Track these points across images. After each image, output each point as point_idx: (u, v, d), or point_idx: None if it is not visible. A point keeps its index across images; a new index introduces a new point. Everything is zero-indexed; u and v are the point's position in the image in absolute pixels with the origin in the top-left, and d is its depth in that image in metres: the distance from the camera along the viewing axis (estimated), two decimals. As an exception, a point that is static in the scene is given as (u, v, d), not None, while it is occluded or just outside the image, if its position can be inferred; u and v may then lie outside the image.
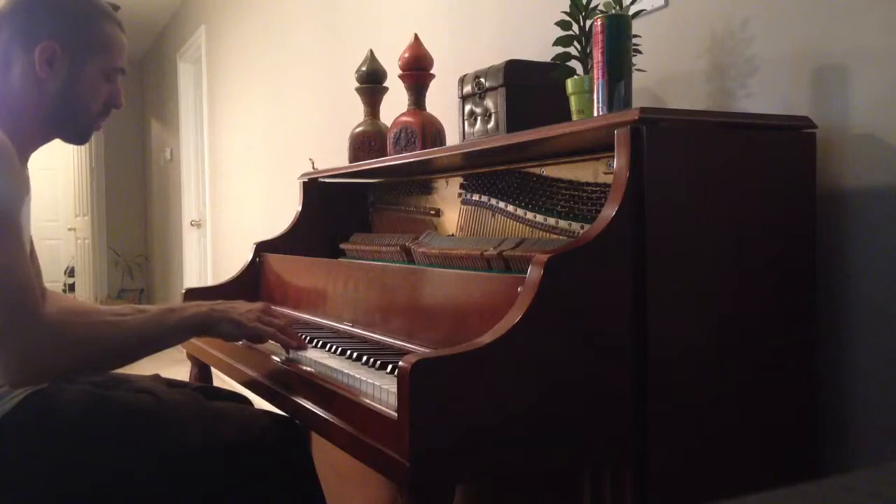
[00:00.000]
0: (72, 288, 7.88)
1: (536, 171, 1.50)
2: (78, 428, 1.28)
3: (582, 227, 1.36)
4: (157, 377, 1.59)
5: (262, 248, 2.09)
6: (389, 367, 1.22)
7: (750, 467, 1.16)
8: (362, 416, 1.10)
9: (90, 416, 1.30)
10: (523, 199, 1.53)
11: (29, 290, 1.18)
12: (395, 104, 1.98)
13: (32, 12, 1.37)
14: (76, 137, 1.47)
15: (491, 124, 1.54)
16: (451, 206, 1.79)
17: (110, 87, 1.44)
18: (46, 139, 1.45)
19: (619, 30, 1.23)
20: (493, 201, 1.61)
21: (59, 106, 1.39)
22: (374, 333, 1.55)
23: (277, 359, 1.45)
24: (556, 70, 1.45)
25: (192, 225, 5.75)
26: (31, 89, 1.37)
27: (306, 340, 1.54)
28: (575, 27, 1.42)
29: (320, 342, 1.51)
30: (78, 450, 1.27)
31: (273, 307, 1.49)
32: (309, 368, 1.35)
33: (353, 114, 2.22)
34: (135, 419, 1.33)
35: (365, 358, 1.31)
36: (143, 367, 1.67)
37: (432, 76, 1.85)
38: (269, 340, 1.42)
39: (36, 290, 1.20)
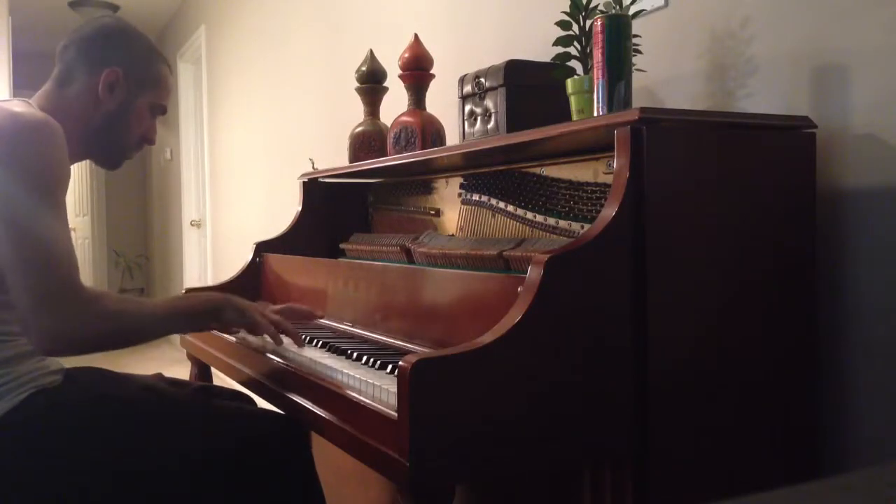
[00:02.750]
0: (72, 288, 7.86)
1: (536, 171, 1.50)
2: (81, 425, 1.29)
3: (582, 227, 1.36)
4: (159, 376, 1.59)
5: (262, 248, 2.09)
6: (389, 367, 1.22)
7: (750, 467, 1.16)
8: (362, 416, 1.10)
9: (94, 413, 1.31)
10: (523, 199, 1.53)
11: (72, 263, 1.26)
12: (395, 104, 1.98)
13: (107, 41, 1.51)
14: (110, 162, 1.59)
15: (491, 124, 1.54)
16: (451, 206, 1.79)
17: (150, 123, 1.57)
18: (82, 158, 1.54)
19: (619, 30, 1.23)
20: (493, 201, 1.61)
21: (106, 128, 1.50)
22: (374, 333, 1.55)
23: (275, 358, 1.45)
24: (556, 70, 1.45)
25: (192, 225, 5.74)
26: (86, 108, 1.48)
27: (306, 340, 1.54)
28: (575, 27, 1.42)
29: (320, 342, 1.51)
30: (81, 447, 1.27)
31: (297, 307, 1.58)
32: (309, 368, 1.35)
33: (353, 114, 2.22)
34: (137, 417, 1.34)
35: (365, 358, 1.31)
36: (146, 367, 1.67)
37: (432, 76, 1.85)
38: (265, 334, 1.45)
39: (77, 265, 1.28)
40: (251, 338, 1.56)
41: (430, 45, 1.86)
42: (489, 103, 1.55)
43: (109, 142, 1.53)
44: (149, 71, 1.54)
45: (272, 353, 1.48)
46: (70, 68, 1.49)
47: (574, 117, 1.37)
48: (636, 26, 1.30)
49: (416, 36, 1.85)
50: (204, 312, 1.41)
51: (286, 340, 1.46)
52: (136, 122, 1.53)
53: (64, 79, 1.49)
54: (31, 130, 1.28)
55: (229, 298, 1.44)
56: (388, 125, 1.90)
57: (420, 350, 1.32)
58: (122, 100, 1.50)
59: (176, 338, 2.93)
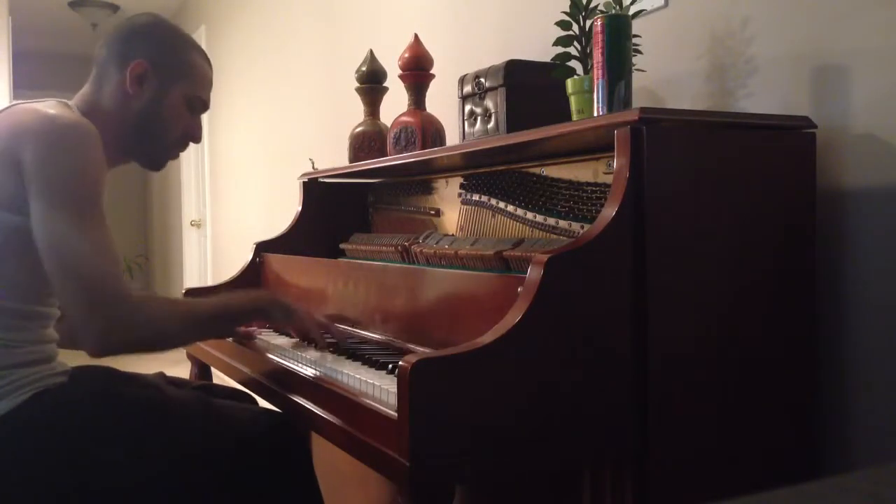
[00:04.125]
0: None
1: (536, 171, 1.50)
2: (83, 424, 1.29)
3: (582, 227, 1.36)
4: (160, 375, 1.59)
5: (262, 248, 2.09)
6: (389, 367, 1.22)
7: (750, 467, 1.16)
8: (362, 416, 1.10)
9: (95, 412, 1.32)
10: (523, 199, 1.53)
11: (112, 269, 1.25)
12: (395, 104, 1.98)
13: (131, 35, 1.48)
14: (152, 162, 1.55)
15: (491, 124, 1.54)
16: (451, 206, 1.79)
17: (191, 119, 1.52)
18: (124, 160, 1.52)
19: (619, 30, 1.23)
20: (493, 201, 1.61)
21: (141, 125, 1.46)
22: (374, 333, 1.55)
23: (275, 358, 1.45)
24: (556, 70, 1.45)
25: (192, 225, 5.74)
26: (118, 106, 1.45)
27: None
28: (575, 27, 1.42)
29: (320, 342, 1.51)
30: (83, 445, 1.27)
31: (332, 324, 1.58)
32: (308, 368, 1.35)
33: (353, 114, 2.22)
34: (140, 416, 1.35)
35: (365, 358, 1.31)
36: (147, 366, 1.67)
37: (432, 76, 1.85)
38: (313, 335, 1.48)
39: (121, 271, 1.28)
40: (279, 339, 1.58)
41: (430, 45, 1.86)
42: (489, 103, 1.55)
43: (148, 141, 1.49)
44: (177, 60, 1.49)
45: (272, 353, 1.48)
46: (103, 69, 1.47)
47: (574, 117, 1.37)
48: (636, 26, 1.30)
49: (416, 36, 1.85)
50: (251, 313, 1.44)
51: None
52: (172, 117, 1.48)
53: (98, 80, 1.47)
54: (66, 133, 1.27)
55: (275, 299, 1.46)
56: (388, 125, 1.90)
57: (420, 350, 1.32)
58: (152, 93, 1.46)
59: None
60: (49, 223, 1.23)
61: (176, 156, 1.56)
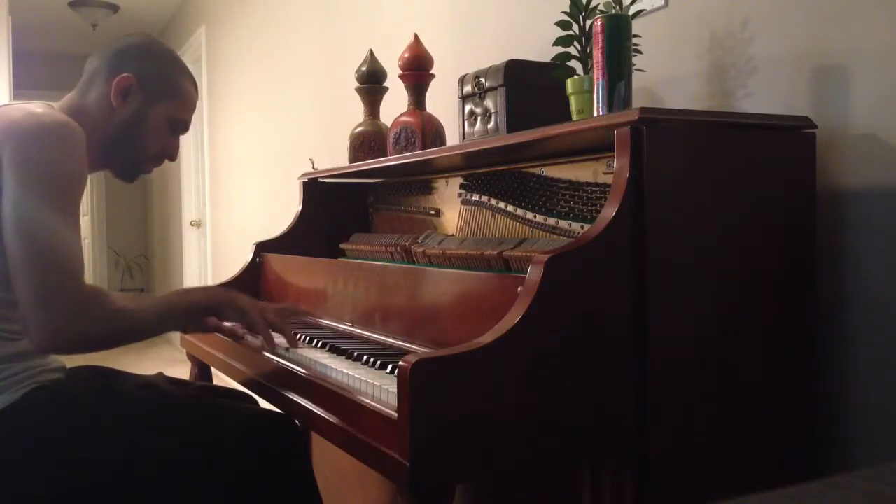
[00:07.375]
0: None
1: (536, 171, 1.50)
2: (81, 421, 1.30)
3: (582, 227, 1.36)
4: (160, 375, 1.60)
5: (262, 248, 2.09)
6: (389, 367, 1.22)
7: (750, 467, 1.16)
8: (362, 416, 1.10)
9: (94, 410, 1.32)
10: (523, 199, 1.53)
11: (74, 263, 1.25)
12: (395, 104, 1.98)
13: (124, 50, 1.52)
14: (125, 174, 1.57)
15: (491, 124, 1.54)
16: (451, 206, 1.79)
17: (170, 138, 1.55)
18: (99, 168, 1.54)
19: (619, 30, 1.23)
20: (493, 201, 1.61)
21: (120, 137, 1.49)
22: (374, 333, 1.55)
23: (275, 358, 1.45)
24: (556, 70, 1.45)
25: (192, 225, 5.74)
26: (101, 116, 1.48)
27: (306, 340, 1.54)
28: (575, 27, 1.42)
29: (320, 342, 1.51)
30: (80, 442, 1.27)
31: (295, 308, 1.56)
32: (309, 368, 1.35)
33: (353, 114, 2.22)
34: (137, 414, 1.35)
35: (365, 358, 1.31)
36: (146, 367, 1.67)
37: (432, 76, 1.85)
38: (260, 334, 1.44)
39: (82, 265, 1.28)
40: (250, 337, 1.57)
41: (430, 45, 1.86)
42: (489, 103, 1.55)
43: (125, 152, 1.51)
44: (165, 80, 1.52)
45: (271, 353, 1.48)
46: (91, 77, 1.50)
47: (574, 117, 1.37)
48: (636, 26, 1.30)
49: (416, 36, 1.85)
50: (203, 310, 1.40)
51: (280, 340, 1.45)
52: (152, 134, 1.51)
53: (85, 88, 1.50)
54: (50, 131, 1.28)
55: (231, 297, 1.42)
56: (388, 125, 1.90)
57: (420, 350, 1.32)
58: (135, 108, 1.48)
59: (176, 337, 2.92)
60: (20, 204, 1.23)
61: (149, 171, 1.58)
